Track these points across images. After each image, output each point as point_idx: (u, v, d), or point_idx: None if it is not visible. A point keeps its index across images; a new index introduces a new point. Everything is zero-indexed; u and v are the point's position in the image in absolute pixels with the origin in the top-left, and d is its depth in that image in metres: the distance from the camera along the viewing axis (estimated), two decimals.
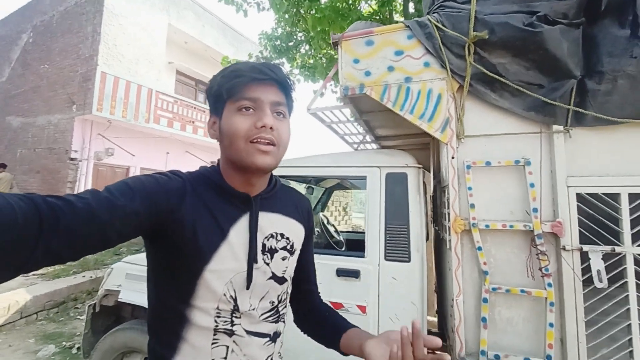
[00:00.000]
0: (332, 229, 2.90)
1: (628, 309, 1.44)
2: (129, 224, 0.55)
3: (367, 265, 1.93)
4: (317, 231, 2.69)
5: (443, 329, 2.24)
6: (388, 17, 4.22)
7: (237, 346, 0.68)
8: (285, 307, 0.80)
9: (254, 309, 0.70)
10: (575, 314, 1.49)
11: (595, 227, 1.49)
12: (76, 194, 0.51)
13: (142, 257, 2.60)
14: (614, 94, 1.42)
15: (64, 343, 3.36)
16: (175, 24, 9.83)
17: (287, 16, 4.44)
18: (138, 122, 8.59)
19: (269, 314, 0.74)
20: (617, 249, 1.44)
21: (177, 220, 0.63)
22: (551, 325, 1.49)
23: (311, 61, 5.25)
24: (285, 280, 0.77)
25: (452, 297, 1.67)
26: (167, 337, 0.67)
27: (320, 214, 2.83)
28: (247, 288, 0.69)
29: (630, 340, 1.43)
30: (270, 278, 0.73)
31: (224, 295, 0.67)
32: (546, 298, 1.50)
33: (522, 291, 1.53)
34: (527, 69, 1.55)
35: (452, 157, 1.68)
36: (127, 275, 2.44)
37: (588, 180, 1.50)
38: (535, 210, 1.53)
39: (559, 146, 1.53)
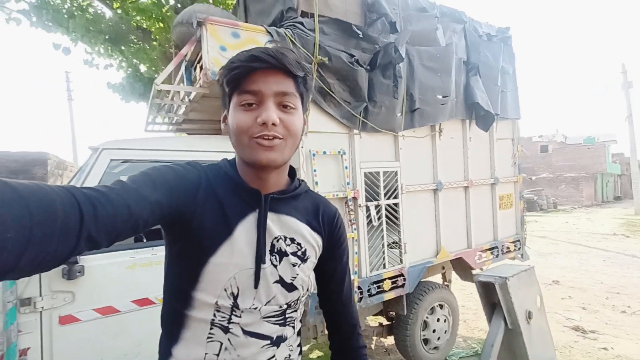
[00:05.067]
0: None
1: (382, 236, 2.61)
2: (153, 213, 0.57)
3: None
4: None
5: None
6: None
7: (231, 345, 0.67)
8: (296, 311, 0.76)
9: (256, 308, 0.69)
10: (365, 244, 2.49)
11: (370, 190, 2.55)
12: (106, 185, 0.53)
13: None
14: (380, 114, 2.50)
15: None
16: None
17: None
18: None
19: (273, 315, 0.71)
20: (379, 202, 2.57)
21: (188, 211, 0.64)
22: (356, 253, 2.41)
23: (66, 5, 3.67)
24: (296, 288, 0.73)
25: None
26: (172, 328, 0.69)
27: None
28: (255, 287, 0.68)
29: (383, 252, 2.61)
30: (277, 282, 0.70)
31: (225, 290, 0.67)
32: (353, 238, 2.40)
33: None
34: (344, 90, 2.34)
35: (302, 147, 2.21)
36: None
37: (368, 164, 2.53)
38: (348, 183, 2.38)
39: (357, 143, 2.45)
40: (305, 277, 0.74)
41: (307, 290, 0.76)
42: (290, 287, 0.72)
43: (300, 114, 0.68)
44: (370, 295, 2.51)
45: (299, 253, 0.73)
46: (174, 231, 0.66)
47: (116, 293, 1.72)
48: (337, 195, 2.33)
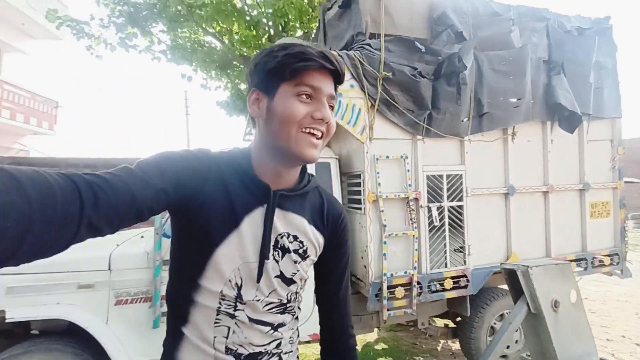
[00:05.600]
0: None
1: (444, 236, 2.74)
2: (158, 200, 0.58)
3: None
4: None
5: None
6: (282, 29, 4.67)
7: (239, 328, 0.70)
8: (295, 301, 0.79)
9: (258, 300, 0.71)
10: (425, 241, 2.66)
11: (433, 192, 2.70)
12: (110, 171, 0.53)
13: (26, 264, 2.10)
14: (444, 121, 2.64)
15: None
16: None
17: None
18: None
19: (273, 306, 0.74)
20: (442, 204, 2.71)
21: (197, 200, 0.65)
22: (416, 250, 2.61)
23: (180, 41, 4.91)
24: (294, 282, 0.76)
25: (365, 245, 2.53)
26: (179, 310, 0.71)
27: None
28: (258, 281, 0.70)
29: (445, 250, 2.73)
30: (277, 276, 0.73)
31: (230, 281, 0.68)
32: (413, 235, 2.60)
33: (403, 233, 2.58)
34: (407, 100, 2.57)
35: (367, 152, 2.52)
36: (10, 290, 1.98)
37: (431, 167, 2.70)
38: (410, 185, 2.60)
39: (420, 148, 2.65)
40: (304, 273, 0.77)
41: (304, 281, 0.79)
42: (289, 282, 0.74)
43: None
44: (430, 292, 2.66)
45: (301, 251, 0.75)
46: (181, 219, 0.68)
47: None
48: (398, 195, 2.57)
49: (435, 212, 2.68)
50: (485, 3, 2.93)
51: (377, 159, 2.52)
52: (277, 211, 0.71)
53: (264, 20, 4.54)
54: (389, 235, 2.54)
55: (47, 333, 2.07)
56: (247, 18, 4.45)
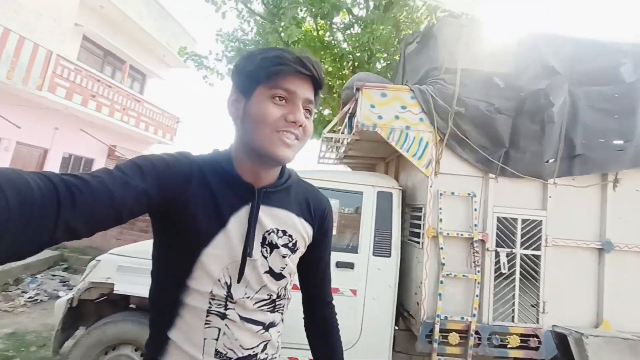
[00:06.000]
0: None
1: (514, 286, 2.48)
2: (139, 202, 0.57)
3: (359, 259, 2.57)
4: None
5: (402, 302, 2.97)
6: (366, 60, 5.05)
7: (229, 330, 0.70)
8: (285, 298, 0.79)
9: (248, 297, 0.71)
10: (489, 288, 2.45)
11: (503, 236, 2.49)
12: (91, 172, 0.53)
13: (134, 249, 2.63)
14: (524, 160, 2.45)
15: None
16: None
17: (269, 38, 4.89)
18: (27, 88, 7.14)
19: (264, 303, 0.74)
20: (514, 251, 2.47)
21: (181, 203, 0.65)
22: (477, 296, 2.42)
23: None
24: (284, 276, 0.76)
25: (420, 281, 2.46)
26: (165, 313, 0.70)
27: None
28: (238, 282, 0.70)
29: (513, 302, 2.46)
30: (267, 272, 0.73)
31: (219, 280, 0.69)
32: (475, 280, 2.42)
33: (464, 275, 2.42)
34: (480, 136, 2.46)
35: (431, 186, 2.48)
36: (120, 268, 2.47)
37: (503, 209, 2.50)
38: (475, 225, 2.45)
39: (491, 187, 2.49)
40: (293, 265, 0.79)
41: (293, 275, 0.81)
42: (278, 277, 0.75)
43: (312, 122, 0.75)
44: (491, 346, 2.42)
45: (290, 245, 0.76)
46: (165, 221, 0.67)
47: None
48: (462, 234, 2.44)
49: (504, 258, 2.46)
50: (588, 37, 2.66)
51: (441, 194, 2.46)
52: (263, 208, 0.73)
53: (349, 55, 4.92)
54: (447, 274, 2.42)
55: (140, 309, 2.54)
56: (336, 50, 4.87)
